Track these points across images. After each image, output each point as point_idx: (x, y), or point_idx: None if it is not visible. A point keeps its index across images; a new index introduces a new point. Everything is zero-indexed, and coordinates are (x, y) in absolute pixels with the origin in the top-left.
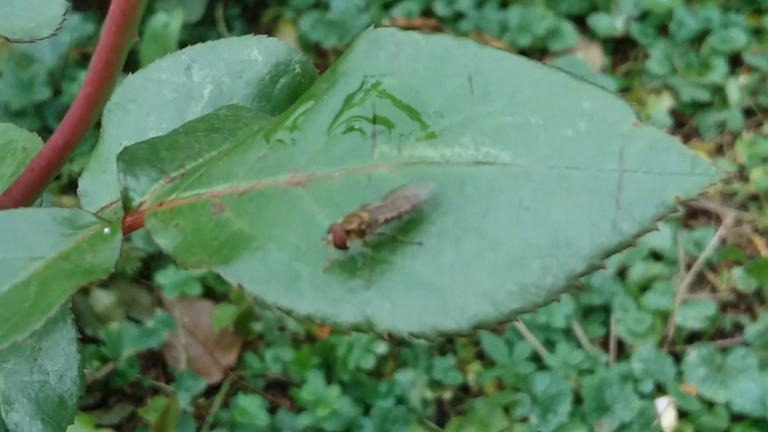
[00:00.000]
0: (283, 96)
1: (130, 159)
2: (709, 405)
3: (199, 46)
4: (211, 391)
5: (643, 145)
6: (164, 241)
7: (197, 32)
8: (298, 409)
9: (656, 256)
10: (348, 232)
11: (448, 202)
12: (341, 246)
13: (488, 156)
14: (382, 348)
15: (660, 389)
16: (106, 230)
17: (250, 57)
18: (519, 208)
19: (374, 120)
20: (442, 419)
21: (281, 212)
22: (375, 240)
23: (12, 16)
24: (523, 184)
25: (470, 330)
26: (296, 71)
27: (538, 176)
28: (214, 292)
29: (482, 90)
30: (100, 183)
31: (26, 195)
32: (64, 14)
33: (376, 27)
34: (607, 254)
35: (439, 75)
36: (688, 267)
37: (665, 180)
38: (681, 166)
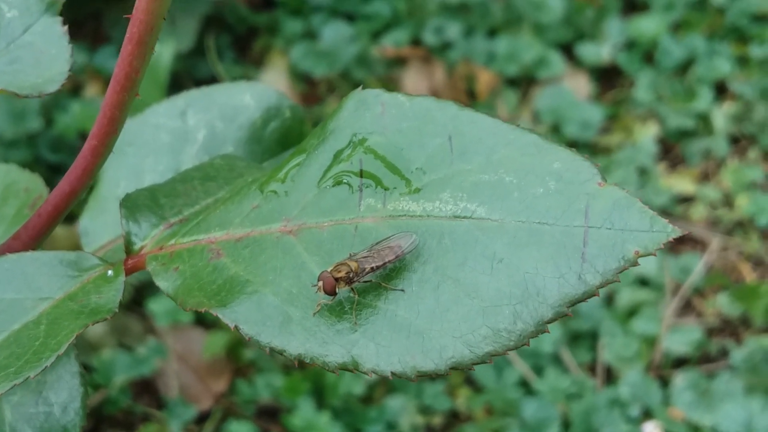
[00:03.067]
0: (274, 139)
1: (131, 205)
2: (696, 429)
3: (194, 91)
4: (202, 417)
5: (607, 203)
6: (165, 284)
7: (189, 62)
8: None
9: (643, 282)
10: (337, 280)
11: (428, 253)
12: (330, 292)
13: (466, 211)
14: None
15: (647, 413)
16: (110, 272)
17: (242, 102)
18: (493, 259)
19: (361, 175)
20: None
21: (274, 259)
22: (361, 286)
23: (20, 72)
24: (497, 237)
25: (447, 370)
26: (286, 115)
27: (510, 230)
28: (205, 319)
29: (461, 149)
30: (100, 223)
31: (34, 238)
32: (69, 70)
33: (363, 88)
34: (573, 303)
35: (421, 134)
36: (675, 292)
37: (626, 236)
38: (641, 224)
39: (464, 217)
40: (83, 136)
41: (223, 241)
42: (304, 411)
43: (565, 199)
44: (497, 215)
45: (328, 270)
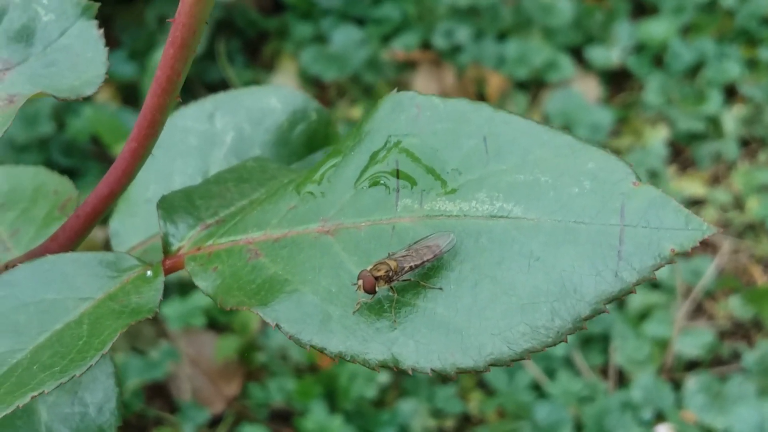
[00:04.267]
0: (301, 141)
1: (168, 207)
2: (708, 431)
3: (221, 95)
4: (215, 421)
5: (642, 202)
6: (204, 284)
7: (199, 66)
8: None
9: (654, 285)
10: (376, 278)
11: (465, 252)
12: (370, 291)
13: (502, 210)
14: (384, 377)
15: (659, 416)
16: (149, 273)
17: (269, 105)
18: (530, 257)
19: (397, 175)
20: None
21: (313, 258)
22: (400, 285)
23: (58, 75)
24: (533, 236)
25: (486, 367)
26: (312, 118)
27: (547, 229)
28: (217, 323)
29: (496, 150)
30: (130, 225)
31: (72, 240)
32: (106, 72)
33: (398, 90)
34: (610, 300)
35: (456, 135)
36: (686, 295)
37: (662, 234)
38: (676, 222)
39: (501, 217)
40: (95, 140)
41: (261, 241)
42: (317, 414)
43: (600, 199)
44: (533, 214)
45: (368, 269)
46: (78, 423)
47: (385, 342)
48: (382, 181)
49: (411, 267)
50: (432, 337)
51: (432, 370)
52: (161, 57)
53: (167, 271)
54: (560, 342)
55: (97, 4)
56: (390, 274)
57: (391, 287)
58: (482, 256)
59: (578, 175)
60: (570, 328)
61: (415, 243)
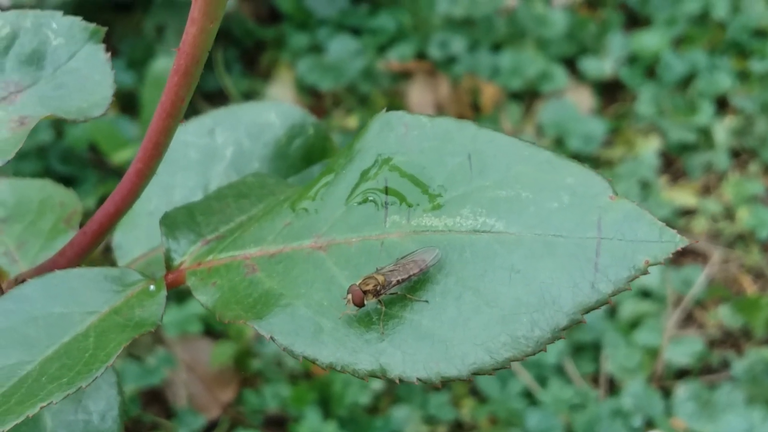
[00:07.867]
0: (298, 156)
1: (170, 223)
2: None
3: (221, 110)
4: (210, 427)
5: (618, 215)
6: (204, 298)
7: None
8: None
9: (645, 294)
10: (365, 292)
11: (450, 265)
12: (359, 304)
13: (485, 225)
14: (377, 384)
15: (649, 424)
16: (152, 287)
17: (268, 120)
18: (511, 270)
19: (386, 192)
20: None
21: (306, 273)
22: (388, 298)
23: (67, 97)
24: (514, 250)
25: (469, 376)
26: (310, 133)
27: (527, 243)
28: (213, 329)
29: (480, 167)
30: (132, 237)
31: (79, 255)
32: (113, 95)
33: (388, 110)
34: (587, 310)
35: (442, 153)
36: (677, 304)
37: (637, 246)
38: (651, 234)
39: (484, 231)
40: (93, 148)
41: (258, 256)
42: (311, 421)
43: (578, 213)
44: (514, 229)
45: (357, 283)
46: (82, 430)
47: (373, 353)
48: (371, 198)
49: (398, 281)
50: (418, 348)
51: (418, 379)
52: (166, 83)
53: (169, 286)
54: (540, 351)
55: (105, 29)
56: (378, 288)
57: (379, 300)
58: (466, 270)
59: (557, 190)
60: (549, 338)
61: (402, 258)
